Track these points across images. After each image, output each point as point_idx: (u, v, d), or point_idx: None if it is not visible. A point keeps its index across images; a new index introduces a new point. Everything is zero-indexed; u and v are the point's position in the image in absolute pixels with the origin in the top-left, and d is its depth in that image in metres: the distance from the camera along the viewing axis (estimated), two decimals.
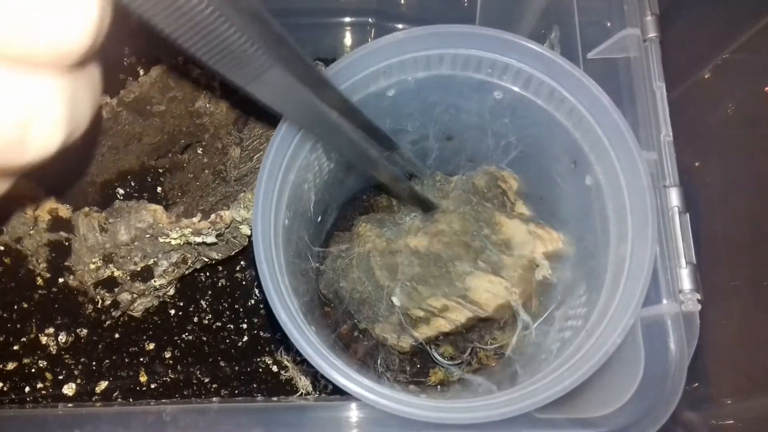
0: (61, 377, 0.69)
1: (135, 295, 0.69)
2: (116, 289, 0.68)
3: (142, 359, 0.72)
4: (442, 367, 0.65)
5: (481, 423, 0.45)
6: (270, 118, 0.73)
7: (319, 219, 0.67)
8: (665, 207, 0.54)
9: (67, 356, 0.70)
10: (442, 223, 0.55)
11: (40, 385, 0.69)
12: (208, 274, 0.77)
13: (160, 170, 0.78)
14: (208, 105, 0.76)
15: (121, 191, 0.76)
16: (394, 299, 0.58)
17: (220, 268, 0.77)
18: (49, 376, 0.69)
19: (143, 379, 0.71)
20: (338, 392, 0.66)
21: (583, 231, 0.56)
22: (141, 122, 0.74)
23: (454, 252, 0.53)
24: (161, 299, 0.74)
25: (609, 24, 0.60)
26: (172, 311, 0.74)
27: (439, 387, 0.65)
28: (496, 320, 0.61)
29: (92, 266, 0.67)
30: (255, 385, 0.71)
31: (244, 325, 0.74)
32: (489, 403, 0.46)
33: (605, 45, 0.59)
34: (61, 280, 0.69)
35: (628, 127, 0.51)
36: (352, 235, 0.66)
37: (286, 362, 0.72)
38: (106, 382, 0.70)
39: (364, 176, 0.72)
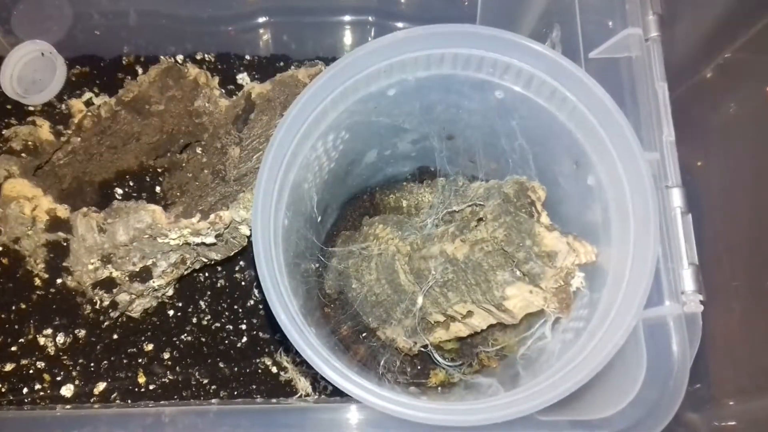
0: (59, 378, 0.69)
1: (133, 296, 0.69)
2: (115, 290, 0.68)
3: (140, 360, 0.71)
4: (443, 368, 0.64)
5: (484, 425, 0.45)
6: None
7: (319, 219, 0.67)
8: (667, 207, 0.54)
9: (66, 357, 0.70)
10: (482, 232, 0.54)
11: (38, 387, 0.68)
12: (207, 274, 0.76)
13: (159, 170, 0.78)
14: (207, 104, 0.75)
15: (120, 191, 0.76)
16: (418, 303, 0.58)
17: (219, 269, 0.77)
18: (47, 377, 0.69)
19: (142, 380, 0.70)
20: (338, 394, 0.66)
21: (584, 231, 0.55)
22: (140, 121, 0.74)
23: (495, 261, 0.53)
24: (160, 300, 0.73)
25: (611, 23, 0.59)
26: (171, 312, 0.74)
27: (439, 388, 0.65)
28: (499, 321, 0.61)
29: (90, 267, 0.67)
30: (254, 387, 0.71)
31: (243, 326, 0.74)
32: (491, 405, 0.46)
33: (607, 44, 0.59)
34: (59, 280, 0.69)
35: (630, 128, 0.51)
36: (364, 235, 0.66)
37: (285, 363, 0.72)
38: (105, 384, 0.70)
39: (363, 176, 0.72)
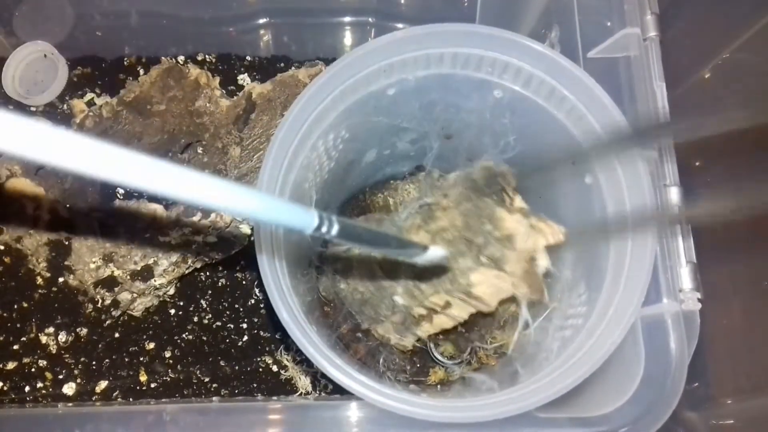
0: (61, 377, 0.69)
1: (135, 295, 0.69)
2: (116, 289, 0.68)
3: (142, 359, 0.72)
4: (443, 366, 0.65)
5: (482, 422, 0.45)
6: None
7: None
8: (665, 206, 0.54)
9: (67, 356, 0.70)
10: (443, 220, 0.55)
11: (40, 385, 0.69)
12: (208, 273, 0.77)
13: None
14: (208, 104, 0.76)
15: (121, 190, 0.76)
16: (397, 298, 0.58)
17: (221, 268, 0.77)
18: (49, 375, 0.69)
19: (143, 378, 0.71)
20: (338, 392, 0.66)
21: (582, 230, 0.56)
22: (141, 122, 0.74)
23: (457, 249, 0.53)
24: (161, 299, 0.74)
25: (609, 23, 0.60)
26: (172, 311, 0.74)
27: (439, 386, 0.65)
28: (496, 319, 0.61)
29: (92, 265, 0.67)
30: (255, 385, 0.71)
31: (244, 325, 0.74)
32: (490, 402, 0.46)
33: (605, 44, 0.59)
34: (61, 279, 0.69)
35: (628, 127, 0.51)
36: None
37: (285, 362, 0.72)
38: (106, 382, 0.70)
39: (362, 176, 0.72)
